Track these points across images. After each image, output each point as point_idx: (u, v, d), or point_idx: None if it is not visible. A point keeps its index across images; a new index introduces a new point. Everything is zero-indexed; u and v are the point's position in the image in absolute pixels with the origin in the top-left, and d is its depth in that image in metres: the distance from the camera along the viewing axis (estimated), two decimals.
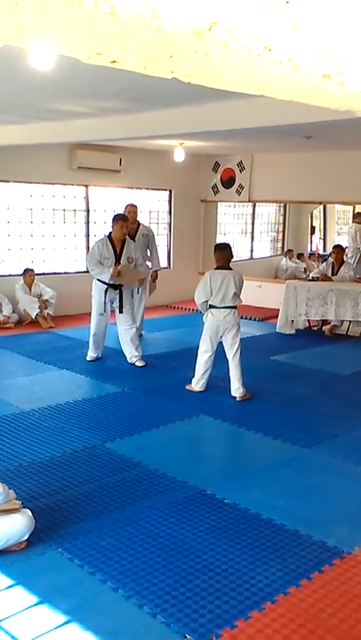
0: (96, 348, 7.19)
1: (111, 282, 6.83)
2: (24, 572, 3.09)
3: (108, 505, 3.80)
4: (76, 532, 3.47)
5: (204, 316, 6.01)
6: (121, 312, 6.99)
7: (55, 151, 9.49)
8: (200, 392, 6.08)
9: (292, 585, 3.04)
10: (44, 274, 9.75)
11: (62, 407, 5.61)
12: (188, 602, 2.88)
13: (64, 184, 9.94)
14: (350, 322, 8.85)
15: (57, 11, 0.84)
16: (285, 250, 14.45)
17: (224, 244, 6.24)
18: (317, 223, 15.89)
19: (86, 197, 10.27)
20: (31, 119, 7.32)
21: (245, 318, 9.24)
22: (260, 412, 5.62)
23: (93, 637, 2.63)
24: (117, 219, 6.93)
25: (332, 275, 9.13)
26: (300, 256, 14.30)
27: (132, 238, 7.50)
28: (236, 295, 5.85)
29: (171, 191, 11.52)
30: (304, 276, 12.06)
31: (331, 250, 10.31)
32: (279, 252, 14.70)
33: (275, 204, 13.93)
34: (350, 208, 14.45)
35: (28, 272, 9.29)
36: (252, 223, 13.69)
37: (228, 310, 5.85)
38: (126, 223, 6.98)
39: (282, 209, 14.53)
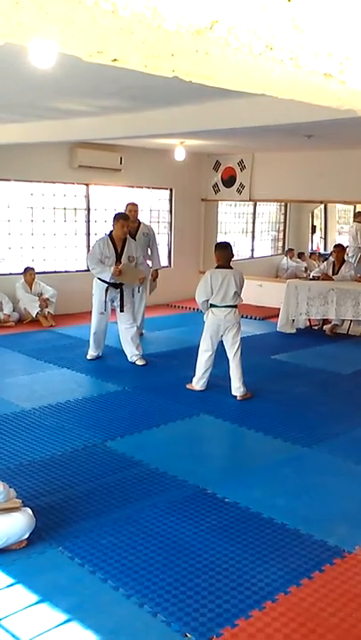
0: (97, 347, 7.19)
1: (112, 281, 6.82)
2: (24, 571, 3.09)
3: (109, 504, 3.80)
4: (77, 530, 3.47)
5: (205, 315, 6.01)
6: (122, 311, 6.99)
7: (56, 150, 9.49)
8: (201, 391, 6.08)
9: (293, 584, 3.04)
10: (44, 272, 9.75)
11: (63, 406, 5.61)
12: (189, 601, 2.88)
13: (65, 183, 9.93)
14: (351, 321, 8.85)
15: (58, 9, 0.84)
16: (286, 249, 14.44)
17: (225, 243, 6.25)
18: (318, 222, 15.88)
19: (87, 196, 10.26)
20: (32, 118, 7.31)
21: (246, 317, 9.25)
22: (261, 412, 5.62)
23: (94, 636, 2.63)
24: (118, 217, 6.92)
25: (333, 274, 9.13)
26: (300, 255, 14.30)
27: (133, 237, 7.50)
28: (237, 294, 5.84)
29: (171, 190, 11.51)
30: (305, 276, 12.05)
31: (332, 249, 10.31)
32: (280, 252, 14.69)
33: (275, 203, 13.91)
34: (351, 207, 14.45)
35: (28, 271, 9.30)
36: (253, 222, 13.69)
37: (229, 309, 5.84)
38: (127, 222, 6.98)
39: (283, 208, 14.51)
